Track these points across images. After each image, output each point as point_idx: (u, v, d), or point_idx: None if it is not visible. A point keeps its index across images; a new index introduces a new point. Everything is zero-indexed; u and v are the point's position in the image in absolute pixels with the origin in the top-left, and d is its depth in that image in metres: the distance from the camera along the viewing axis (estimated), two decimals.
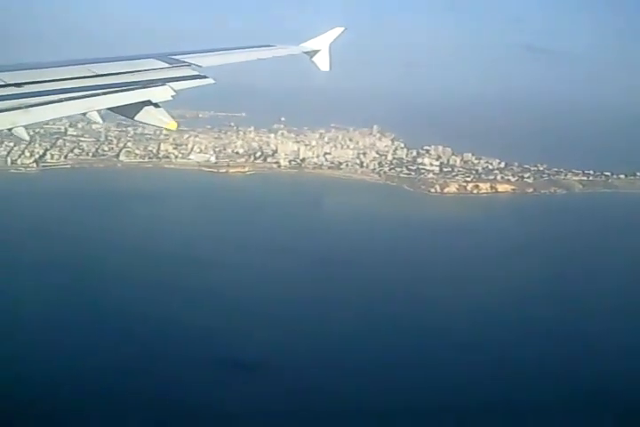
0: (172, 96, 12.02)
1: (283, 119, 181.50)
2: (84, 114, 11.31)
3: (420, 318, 72.89)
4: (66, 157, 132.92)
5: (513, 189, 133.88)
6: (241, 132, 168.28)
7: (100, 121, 12.07)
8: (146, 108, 11.57)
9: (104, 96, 11.12)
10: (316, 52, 18.56)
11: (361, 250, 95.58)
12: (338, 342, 65.81)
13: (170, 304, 70.55)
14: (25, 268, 77.62)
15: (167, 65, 13.17)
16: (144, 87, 11.86)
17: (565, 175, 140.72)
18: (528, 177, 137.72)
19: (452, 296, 79.02)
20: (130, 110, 11.61)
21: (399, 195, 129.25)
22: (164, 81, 12.30)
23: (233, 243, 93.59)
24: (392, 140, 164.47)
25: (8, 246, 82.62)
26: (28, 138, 11.53)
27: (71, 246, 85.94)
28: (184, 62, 13.55)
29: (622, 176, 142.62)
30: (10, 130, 10.17)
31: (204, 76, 13.35)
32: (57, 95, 10.41)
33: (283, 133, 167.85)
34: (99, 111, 11.66)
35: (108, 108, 11.38)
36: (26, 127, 10.68)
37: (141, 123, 12.06)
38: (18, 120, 9.86)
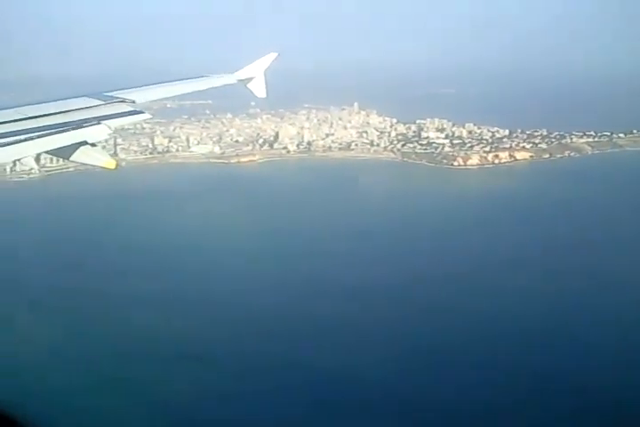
0: (109, 134, 11.74)
1: (253, 104, 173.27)
2: (19, 160, 10.94)
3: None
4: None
5: (531, 156, 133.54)
6: (224, 120, 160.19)
7: (36, 166, 14.48)
8: (82, 148, 10.98)
9: (37, 140, 10.45)
10: (250, 79, 18.20)
11: (435, 232, 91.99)
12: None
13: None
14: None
15: (101, 102, 12.82)
16: (79, 127, 11.38)
17: (571, 138, 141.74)
18: (540, 143, 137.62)
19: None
20: (66, 152, 10.99)
21: (425, 171, 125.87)
22: (98, 119, 11.88)
23: (310, 233, 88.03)
24: (381, 117, 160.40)
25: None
26: None
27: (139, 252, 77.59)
28: (118, 98, 13.23)
29: (622, 135, 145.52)
30: None
31: (141, 112, 13.07)
32: None
33: (269, 118, 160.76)
34: (33, 156, 11.42)
35: (43, 152, 10.98)
36: None
37: (77, 162, 11.52)
38: None
